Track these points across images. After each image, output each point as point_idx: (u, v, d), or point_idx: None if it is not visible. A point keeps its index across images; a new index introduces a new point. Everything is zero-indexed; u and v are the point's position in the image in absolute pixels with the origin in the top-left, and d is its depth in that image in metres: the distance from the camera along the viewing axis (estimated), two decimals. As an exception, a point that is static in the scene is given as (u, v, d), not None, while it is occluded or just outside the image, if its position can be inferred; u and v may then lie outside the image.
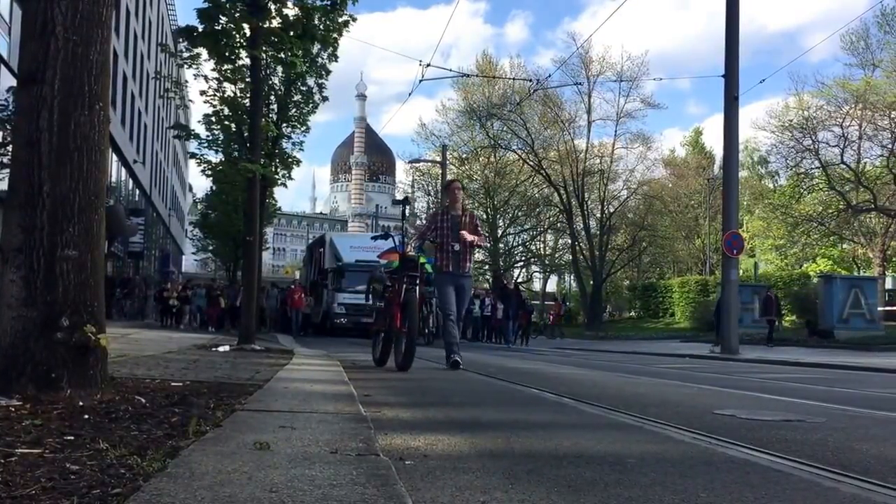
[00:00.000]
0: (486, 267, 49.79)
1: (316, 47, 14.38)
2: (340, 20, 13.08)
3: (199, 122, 15.98)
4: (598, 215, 48.69)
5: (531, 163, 47.58)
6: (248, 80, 13.44)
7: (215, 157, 16.82)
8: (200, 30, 12.37)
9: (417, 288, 8.20)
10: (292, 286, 30.68)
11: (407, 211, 9.38)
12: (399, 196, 79.02)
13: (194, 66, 14.02)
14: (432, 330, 21.72)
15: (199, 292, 29.67)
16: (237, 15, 12.17)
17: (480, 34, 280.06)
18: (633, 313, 51.98)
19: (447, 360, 8.63)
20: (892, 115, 34.17)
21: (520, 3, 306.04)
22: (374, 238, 9.43)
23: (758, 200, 48.53)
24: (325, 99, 18.14)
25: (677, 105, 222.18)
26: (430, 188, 52.73)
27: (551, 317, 35.92)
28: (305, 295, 29.98)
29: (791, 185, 41.00)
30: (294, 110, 18.49)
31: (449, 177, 44.66)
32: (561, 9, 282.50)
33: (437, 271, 8.87)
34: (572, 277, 56.85)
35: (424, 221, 10.69)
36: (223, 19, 12.32)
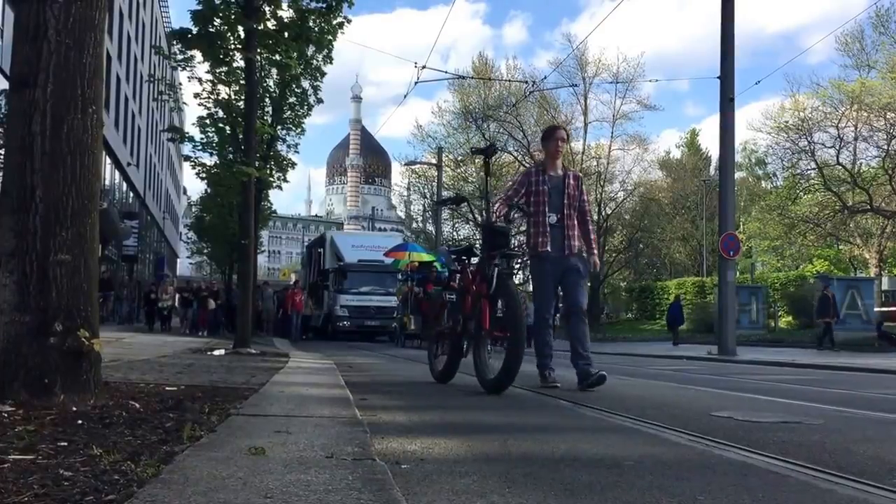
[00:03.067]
0: None
1: (311, 49, 14.37)
2: (335, 22, 13.08)
3: (193, 124, 16.01)
4: (595, 217, 48.68)
5: (527, 165, 47.56)
6: (242, 82, 13.46)
7: (210, 160, 16.84)
8: (194, 32, 12.37)
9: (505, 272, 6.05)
10: (294, 288, 29.23)
11: (491, 166, 6.87)
12: (395, 199, 78.55)
13: (188, 69, 14.06)
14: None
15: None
16: (231, 17, 12.16)
17: (479, 35, 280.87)
18: (630, 315, 52.02)
19: (541, 377, 6.55)
20: (888, 116, 34.26)
21: (519, 5, 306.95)
22: (441, 203, 8.74)
23: (754, 202, 48.62)
24: (319, 101, 18.16)
25: (676, 106, 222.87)
26: (426, 190, 52.74)
27: None
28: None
29: (787, 186, 41.10)
30: (289, 112, 18.53)
31: (445, 178, 44.76)
32: (559, 10, 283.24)
33: (531, 254, 6.65)
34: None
35: (510, 183, 7.55)
36: (217, 21, 12.32)
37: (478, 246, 7.08)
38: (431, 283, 21.26)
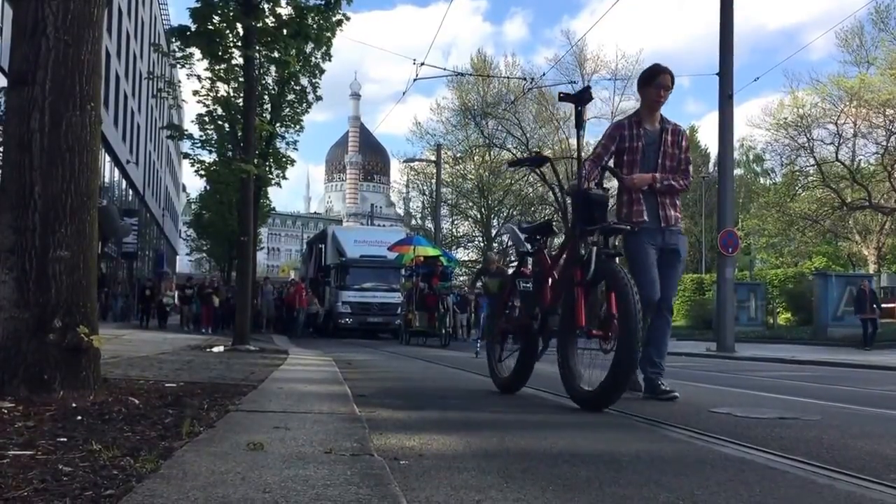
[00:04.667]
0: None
1: (309, 46, 14.37)
2: (334, 19, 13.07)
3: (192, 121, 16.11)
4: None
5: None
6: (241, 79, 13.46)
7: (209, 157, 16.88)
8: (193, 29, 12.37)
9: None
10: (298, 283, 28.99)
11: (584, 119, 5.48)
12: (394, 196, 78.36)
13: (187, 66, 14.06)
14: (449, 330, 20.42)
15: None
16: (230, 14, 12.16)
17: (480, 32, 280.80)
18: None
19: (651, 387, 5.36)
20: (887, 113, 34.23)
21: (519, 2, 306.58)
22: (517, 164, 6.47)
23: (753, 198, 48.61)
24: (318, 98, 18.17)
25: (676, 103, 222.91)
26: (425, 187, 52.72)
27: None
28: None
29: (786, 182, 41.09)
30: (288, 110, 18.52)
31: (444, 175, 44.71)
32: (560, 7, 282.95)
33: (594, 223, 4.92)
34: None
35: (602, 139, 5.75)
36: (216, 19, 12.32)
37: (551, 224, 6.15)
38: (437, 278, 21.12)
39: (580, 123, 5.30)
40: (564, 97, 5.24)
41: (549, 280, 5.28)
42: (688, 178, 5.66)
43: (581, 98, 5.16)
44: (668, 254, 5.42)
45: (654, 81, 5.56)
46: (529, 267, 5.74)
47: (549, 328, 5.12)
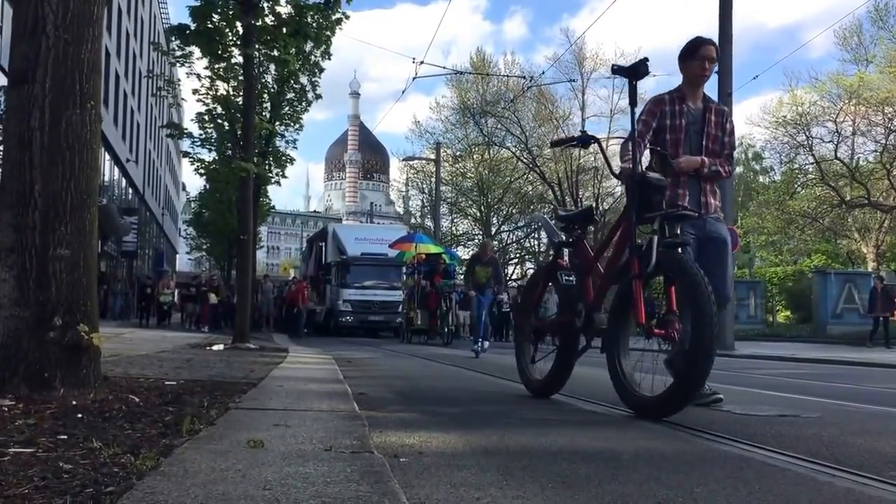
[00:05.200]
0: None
1: (309, 45, 14.36)
2: (334, 18, 13.07)
3: (191, 120, 16.03)
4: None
5: (525, 160, 47.58)
6: (240, 78, 13.47)
7: (208, 156, 16.88)
8: (193, 28, 12.37)
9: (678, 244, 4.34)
10: (300, 281, 28.47)
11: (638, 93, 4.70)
12: (394, 195, 78.17)
13: (187, 65, 14.07)
14: (452, 329, 20.14)
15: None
16: (229, 13, 12.16)
17: (479, 31, 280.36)
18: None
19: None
20: (886, 111, 34.22)
21: (519, 0, 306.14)
22: (560, 143, 5.40)
23: (752, 196, 48.61)
24: (318, 97, 18.15)
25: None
26: (425, 186, 52.70)
27: None
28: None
29: (785, 180, 41.06)
30: (287, 108, 18.51)
31: (443, 174, 44.71)
32: (560, 5, 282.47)
33: (652, 209, 4.45)
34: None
35: (641, 115, 5.00)
36: (216, 17, 12.32)
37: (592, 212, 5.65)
38: (440, 276, 21.01)
39: (634, 101, 4.66)
40: (618, 70, 4.66)
41: (591, 274, 4.92)
42: (732, 165, 5.28)
43: (636, 71, 4.54)
44: (713, 243, 4.91)
45: (697, 53, 5.05)
46: (566, 259, 5.33)
47: (595, 326, 4.67)
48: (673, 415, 4.00)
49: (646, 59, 4.48)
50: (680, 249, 4.28)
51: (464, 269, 29.08)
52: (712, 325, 3.88)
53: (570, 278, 5.11)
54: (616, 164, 4.99)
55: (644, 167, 4.56)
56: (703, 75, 5.08)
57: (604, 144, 4.72)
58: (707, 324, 3.87)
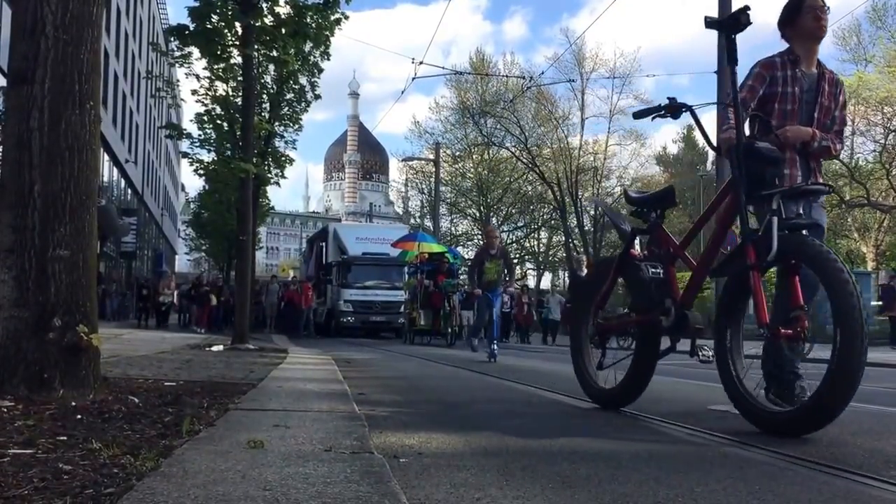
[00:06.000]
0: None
1: (308, 45, 14.36)
2: (333, 18, 13.07)
3: (191, 121, 16.00)
4: (592, 212, 48.79)
5: (525, 160, 47.64)
6: (239, 78, 13.46)
7: (208, 157, 16.83)
8: (192, 28, 12.37)
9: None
10: (305, 282, 28.48)
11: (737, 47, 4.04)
12: (393, 195, 78.00)
13: (186, 65, 14.05)
14: (455, 329, 19.82)
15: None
16: (229, 14, 12.16)
17: (480, 31, 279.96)
18: (627, 310, 51.94)
19: (784, 390, 4.11)
20: (885, 111, 34.26)
21: (519, 0, 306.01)
22: (645, 113, 4.30)
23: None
24: (317, 97, 18.13)
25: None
26: (424, 186, 52.73)
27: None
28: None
29: (784, 180, 41.07)
30: (286, 109, 18.49)
31: (442, 174, 44.69)
32: (560, 5, 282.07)
33: (764, 185, 3.72)
34: (566, 275, 56.89)
35: (749, 81, 4.36)
36: (215, 18, 12.32)
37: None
38: (443, 275, 20.90)
39: (732, 57, 4.01)
40: (712, 23, 4.08)
41: (674, 265, 4.43)
42: (842, 143, 4.64)
43: (737, 22, 3.90)
44: (814, 232, 3.93)
45: (804, 5, 4.42)
46: (637, 249, 4.75)
47: (690, 326, 4.11)
48: (813, 431, 3.44)
49: (747, 8, 3.84)
50: (805, 232, 3.65)
51: (467, 267, 28.80)
52: (862, 329, 3.24)
53: (657, 270, 4.38)
54: (714, 136, 4.34)
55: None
56: (821, 27, 4.42)
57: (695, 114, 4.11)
58: (854, 327, 3.23)
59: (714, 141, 4.38)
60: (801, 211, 3.93)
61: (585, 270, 18.66)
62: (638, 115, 4.40)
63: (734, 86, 4.04)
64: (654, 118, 4.21)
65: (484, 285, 11.63)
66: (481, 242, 46.85)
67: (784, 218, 3.62)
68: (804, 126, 4.35)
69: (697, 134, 61.15)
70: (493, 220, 49.35)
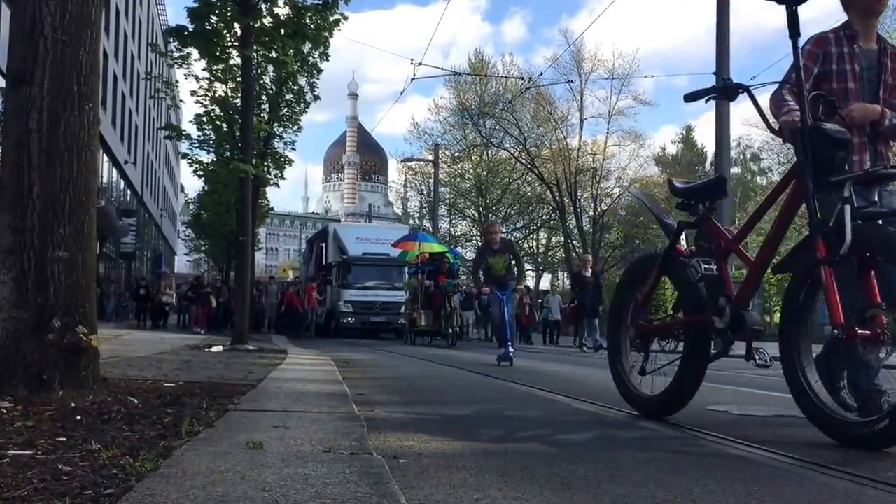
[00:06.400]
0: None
1: (307, 46, 14.37)
2: (332, 19, 13.07)
3: (190, 122, 16.00)
4: (591, 213, 48.82)
5: (524, 161, 47.66)
6: (239, 79, 13.46)
7: (207, 157, 16.84)
8: (191, 29, 12.37)
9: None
10: (309, 283, 28.25)
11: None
12: (392, 196, 77.91)
13: (185, 66, 14.05)
14: (457, 330, 19.79)
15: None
16: (228, 14, 12.16)
17: (479, 32, 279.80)
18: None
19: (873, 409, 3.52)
20: (883, 111, 34.31)
21: (518, 1, 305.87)
22: (698, 95, 3.90)
23: (750, 197, 48.68)
24: (316, 98, 18.12)
25: (675, 102, 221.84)
26: (423, 187, 52.74)
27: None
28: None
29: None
30: (286, 109, 18.48)
31: (441, 175, 44.69)
32: (559, 6, 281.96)
33: (833, 171, 3.42)
34: (565, 275, 56.91)
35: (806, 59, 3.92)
36: (214, 19, 12.32)
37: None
38: (444, 276, 20.83)
39: (795, 31, 3.64)
40: None
41: (725, 260, 4.13)
42: None
43: None
44: (888, 221, 3.55)
45: None
46: (683, 243, 4.36)
47: (748, 327, 3.80)
48: None
49: None
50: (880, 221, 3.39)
51: (468, 267, 28.45)
52: None
53: (711, 266, 4.06)
54: (772, 120, 4.06)
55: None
56: (878, 2, 4.05)
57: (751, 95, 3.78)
58: None
59: (773, 124, 4.00)
60: (874, 198, 3.66)
61: (591, 271, 18.69)
62: (689, 98, 4.04)
63: (796, 63, 3.68)
64: (707, 100, 3.92)
65: (494, 282, 10.74)
66: (480, 243, 46.74)
67: (857, 206, 3.33)
68: (876, 99, 3.99)
69: (696, 134, 60.95)
70: (493, 218, 49.42)
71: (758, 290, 4.02)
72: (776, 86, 3.93)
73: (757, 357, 3.78)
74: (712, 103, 4.14)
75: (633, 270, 4.88)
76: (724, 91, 3.83)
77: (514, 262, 11.06)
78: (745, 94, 3.82)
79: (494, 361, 10.04)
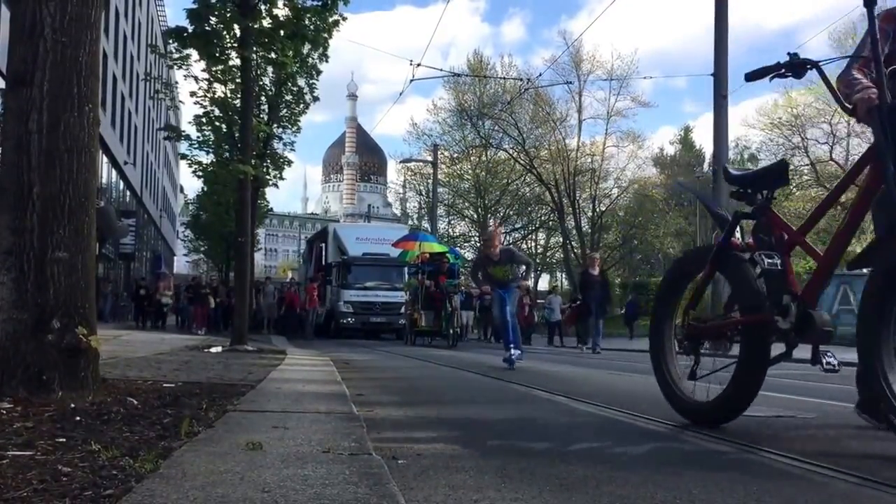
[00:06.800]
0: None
1: (306, 47, 14.38)
2: (331, 20, 13.08)
3: (189, 122, 16.00)
4: (590, 214, 48.89)
5: (522, 162, 47.72)
6: (238, 80, 13.46)
7: (206, 158, 16.83)
8: (190, 31, 12.38)
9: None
10: (310, 283, 28.09)
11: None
12: (391, 197, 77.86)
13: (184, 67, 14.05)
14: (457, 330, 19.71)
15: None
16: (227, 15, 12.16)
17: (478, 33, 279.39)
18: (623, 310, 52.05)
19: None
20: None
21: (517, 2, 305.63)
22: (755, 75, 3.62)
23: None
24: (316, 99, 18.14)
25: (674, 103, 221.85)
26: (422, 188, 52.74)
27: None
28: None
29: (781, 182, 41.18)
30: (285, 110, 18.50)
31: (440, 176, 44.66)
32: (558, 8, 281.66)
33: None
34: (564, 276, 56.93)
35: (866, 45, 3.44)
36: (213, 20, 12.32)
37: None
38: (444, 276, 20.77)
39: (870, 8, 3.32)
40: None
41: (790, 254, 3.76)
42: None
43: None
44: None
45: None
46: (738, 236, 4.02)
47: (817, 328, 3.45)
48: None
49: None
50: None
51: (468, 267, 28.22)
52: None
53: (774, 261, 3.66)
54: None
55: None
56: None
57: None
58: None
59: (847, 104, 3.58)
60: None
61: (598, 269, 18.59)
62: (752, 77, 3.74)
63: (872, 34, 3.37)
64: (772, 78, 3.62)
65: (496, 283, 10.33)
66: (479, 245, 46.36)
67: None
68: None
69: (695, 135, 61.05)
70: (492, 221, 49.41)
71: (826, 287, 3.68)
72: (845, 63, 3.67)
73: (824, 362, 3.45)
74: (777, 81, 3.70)
75: (680, 266, 4.56)
76: (790, 66, 3.52)
77: (520, 268, 10.64)
78: (814, 70, 3.54)
79: (497, 363, 9.91)
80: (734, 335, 3.87)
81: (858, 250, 3.31)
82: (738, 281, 3.81)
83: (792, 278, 3.60)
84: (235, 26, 12.34)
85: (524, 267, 10.82)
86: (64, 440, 2.66)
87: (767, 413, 4.53)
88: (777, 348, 3.58)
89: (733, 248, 3.91)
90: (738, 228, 3.98)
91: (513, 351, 9.61)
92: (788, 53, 3.50)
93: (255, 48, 12.83)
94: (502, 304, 10.22)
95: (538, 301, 30.92)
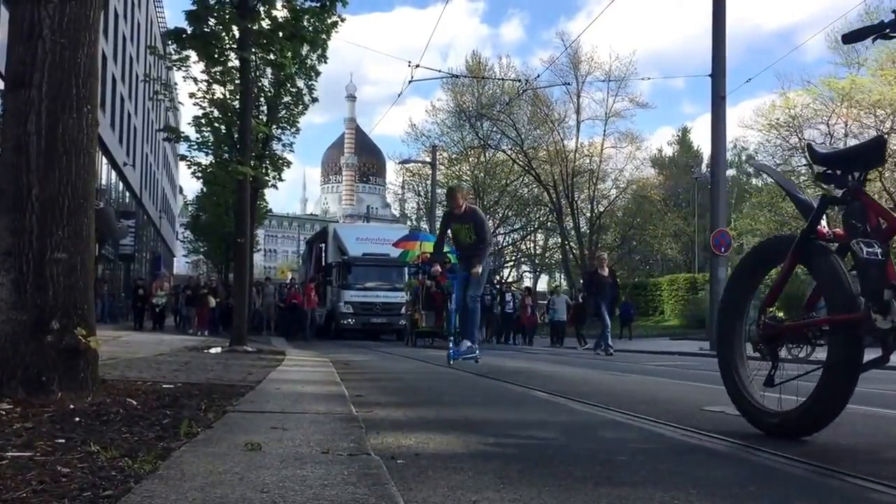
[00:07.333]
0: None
1: (305, 49, 14.38)
2: (329, 21, 13.09)
3: (188, 124, 15.97)
4: (588, 214, 48.91)
5: (521, 162, 47.75)
6: (237, 81, 13.45)
7: (205, 159, 16.82)
8: (189, 32, 12.39)
9: None
10: (308, 283, 27.86)
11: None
12: (390, 198, 77.95)
13: (183, 69, 14.04)
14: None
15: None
16: (226, 17, 12.18)
17: (477, 34, 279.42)
18: (619, 312, 52.06)
19: None
20: (877, 114, 34.36)
21: (516, 3, 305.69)
22: (854, 37, 3.55)
23: (746, 198, 48.78)
24: (314, 100, 18.13)
25: (672, 104, 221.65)
26: (421, 188, 52.77)
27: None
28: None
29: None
30: (284, 112, 18.49)
31: (439, 176, 44.63)
32: (557, 9, 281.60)
33: None
34: (562, 276, 56.94)
35: None
36: (212, 21, 12.34)
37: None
38: (445, 276, 20.69)
39: None
40: None
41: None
42: None
43: None
44: None
45: None
46: (824, 224, 3.55)
47: None
48: None
49: None
50: None
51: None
52: None
53: (874, 250, 3.19)
54: None
55: None
56: None
57: None
58: None
59: None
60: None
61: (607, 270, 18.51)
62: (849, 38, 3.54)
63: None
64: (875, 39, 3.37)
65: (461, 258, 9.45)
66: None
67: None
68: None
69: (693, 136, 60.98)
70: (491, 219, 49.30)
71: None
72: None
73: None
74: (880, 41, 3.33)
75: (754, 258, 4.03)
76: (894, 25, 3.24)
77: (475, 236, 9.35)
78: None
79: (497, 363, 9.88)
80: (818, 337, 3.58)
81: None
82: (827, 274, 3.41)
83: (892, 271, 3.14)
84: (234, 28, 12.36)
85: (476, 238, 9.37)
86: (63, 441, 2.66)
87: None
88: (869, 352, 3.31)
89: (819, 238, 3.50)
90: (824, 216, 3.57)
91: (463, 343, 8.70)
92: (893, 11, 3.23)
93: (253, 49, 12.83)
94: (462, 287, 9.37)
95: (539, 302, 30.85)
